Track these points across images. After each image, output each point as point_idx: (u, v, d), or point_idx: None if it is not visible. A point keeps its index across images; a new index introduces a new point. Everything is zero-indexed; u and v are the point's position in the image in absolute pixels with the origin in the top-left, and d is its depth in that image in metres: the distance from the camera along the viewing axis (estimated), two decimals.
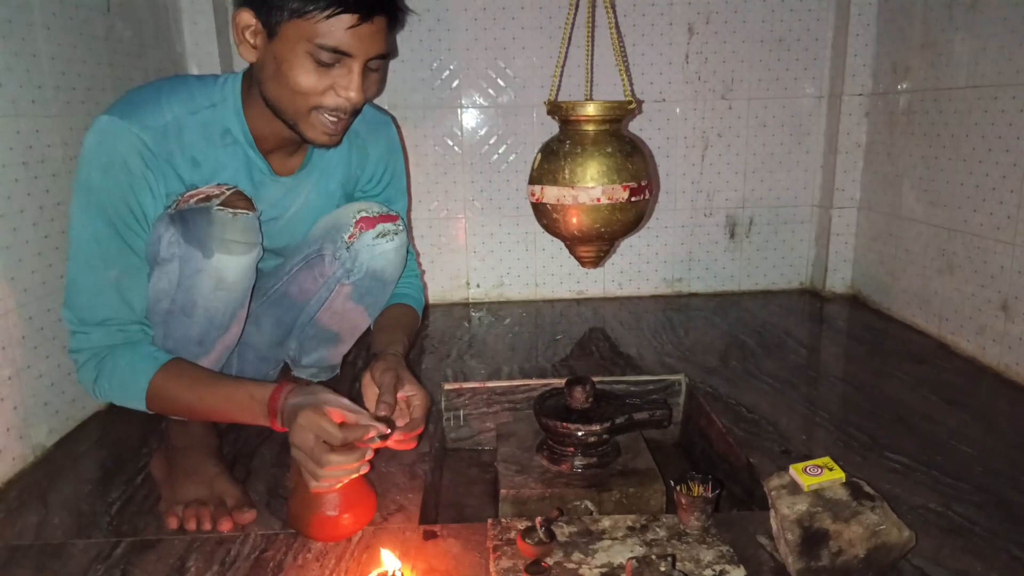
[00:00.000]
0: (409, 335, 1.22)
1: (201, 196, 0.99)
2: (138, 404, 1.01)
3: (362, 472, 0.93)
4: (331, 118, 1.00)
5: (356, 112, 1.03)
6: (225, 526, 0.99)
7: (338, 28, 0.93)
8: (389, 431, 0.93)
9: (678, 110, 2.04)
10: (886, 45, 1.88)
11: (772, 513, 0.89)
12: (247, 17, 0.96)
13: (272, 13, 0.94)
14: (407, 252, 1.26)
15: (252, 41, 0.98)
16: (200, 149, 1.03)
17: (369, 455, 0.92)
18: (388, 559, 0.85)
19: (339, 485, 0.92)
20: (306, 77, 0.96)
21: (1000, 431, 1.25)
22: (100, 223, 0.99)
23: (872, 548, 0.82)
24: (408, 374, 1.04)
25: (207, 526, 0.99)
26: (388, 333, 1.18)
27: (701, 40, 2.00)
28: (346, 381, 1.51)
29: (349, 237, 1.15)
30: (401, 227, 1.20)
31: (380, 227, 1.16)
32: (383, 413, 0.96)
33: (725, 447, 1.28)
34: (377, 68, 1.01)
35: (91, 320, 1.01)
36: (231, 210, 0.98)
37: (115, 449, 1.25)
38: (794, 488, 0.88)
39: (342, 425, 0.90)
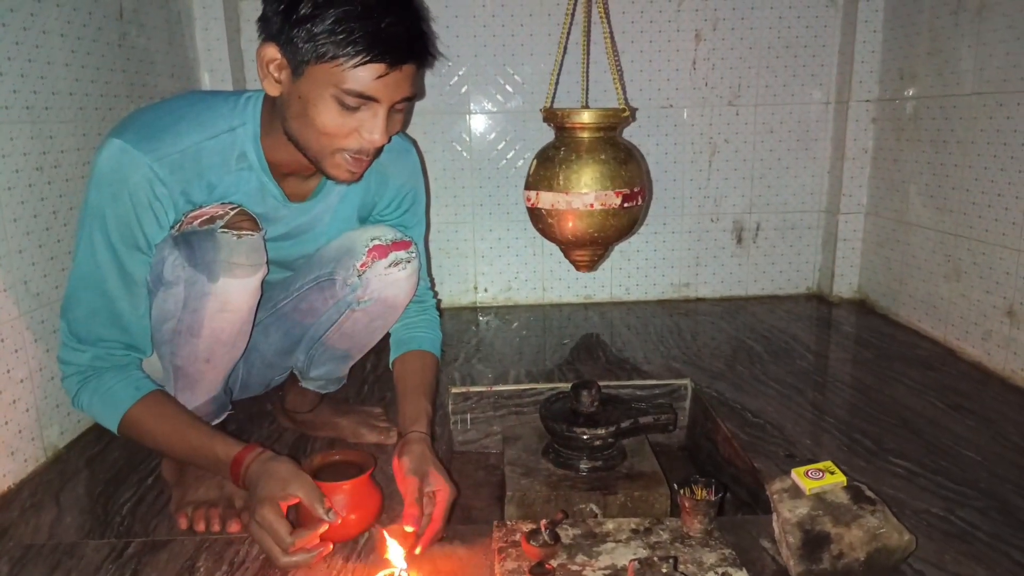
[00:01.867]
0: (432, 396, 1.18)
1: (205, 217, 0.98)
2: (111, 427, 1.00)
3: (318, 560, 0.90)
4: (354, 158, 0.98)
5: (379, 152, 1.01)
6: (234, 527, 1.00)
7: (366, 76, 0.90)
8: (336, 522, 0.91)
9: (685, 115, 2.05)
10: (893, 52, 1.88)
11: (774, 516, 0.89)
12: (272, 52, 0.93)
13: (299, 53, 0.90)
14: (419, 278, 1.22)
15: (276, 76, 0.94)
16: (216, 173, 1.02)
17: (325, 551, 0.90)
18: (395, 555, 0.86)
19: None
20: (331, 119, 0.93)
21: (1005, 436, 1.25)
22: (103, 247, 0.98)
23: (872, 551, 0.82)
24: (435, 467, 1.01)
25: (216, 527, 1.00)
26: (412, 402, 1.13)
27: (709, 46, 2.01)
28: (354, 384, 1.53)
29: (361, 265, 1.11)
30: (414, 254, 1.16)
31: (393, 255, 1.13)
32: (410, 527, 0.93)
33: (730, 451, 1.28)
34: (402, 109, 0.98)
35: (84, 338, 1.01)
36: (235, 232, 0.96)
37: (126, 451, 1.27)
38: (795, 492, 0.88)
39: (299, 505, 0.90)
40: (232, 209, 0.98)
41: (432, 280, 1.38)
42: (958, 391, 1.44)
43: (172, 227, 1.01)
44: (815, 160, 2.10)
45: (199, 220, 0.97)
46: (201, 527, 1.01)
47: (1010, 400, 1.40)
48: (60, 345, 1.03)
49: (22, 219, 1.18)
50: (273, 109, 1.00)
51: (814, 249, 2.16)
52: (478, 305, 2.15)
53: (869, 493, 0.88)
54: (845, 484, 0.89)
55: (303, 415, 1.33)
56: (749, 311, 2.04)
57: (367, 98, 0.92)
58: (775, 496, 0.89)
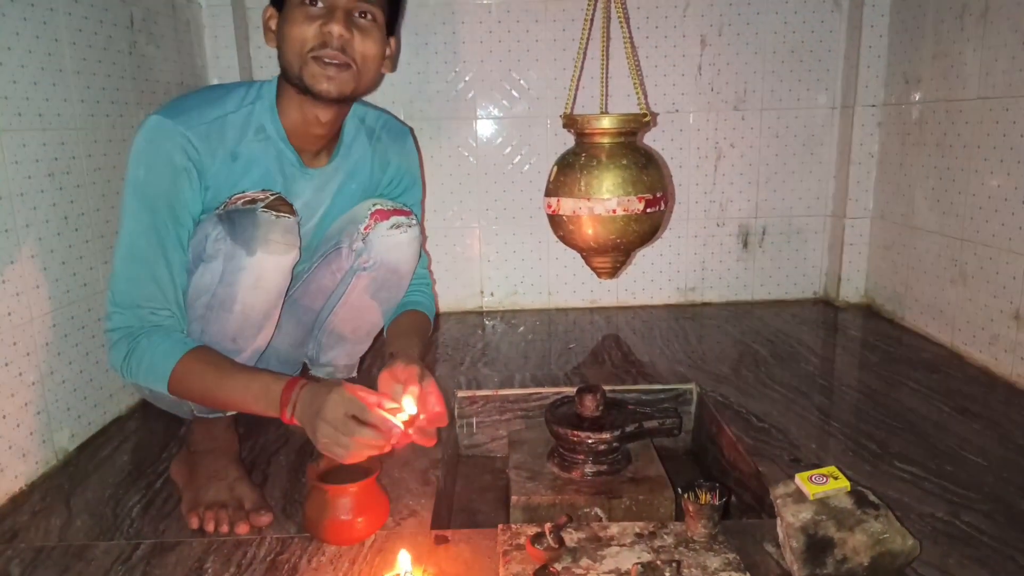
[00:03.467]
0: (423, 340, 1.26)
1: (247, 199, 1.08)
2: (161, 385, 1.04)
3: (385, 451, 0.94)
4: (327, 63, 1.08)
5: (351, 63, 1.10)
6: (242, 528, 1.01)
7: None
8: (414, 414, 0.98)
9: (691, 120, 2.06)
10: (898, 56, 1.88)
11: (778, 521, 0.90)
12: (268, 10, 1.13)
13: None
14: (420, 250, 1.32)
15: (272, 28, 1.13)
16: (238, 143, 1.13)
17: (396, 433, 0.94)
18: (403, 560, 0.87)
19: (361, 458, 0.94)
20: (298, 27, 1.07)
21: (1011, 440, 1.25)
22: (144, 215, 1.07)
23: (876, 556, 0.82)
24: (427, 372, 1.07)
25: (225, 528, 1.02)
26: (403, 338, 1.24)
27: (714, 51, 2.01)
28: (364, 382, 1.53)
29: (365, 228, 1.22)
30: (414, 221, 1.26)
31: (394, 219, 1.23)
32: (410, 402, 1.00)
33: (735, 455, 1.29)
34: (367, 19, 1.10)
35: (126, 303, 1.07)
36: (274, 212, 1.06)
37: (136, 453, 1.28)
38: (799, 496, 0.89)
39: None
40: (272, 195, 1.09)
41: (429, 258, 1.45)
42: (964, 395, 1.44)
43: (205, 201, 1.11)
44: (821, 164, 2.10)
45: (242, 201, 1.08)
46: (211, 527, 1.02)
47: (1017, 404, 1.39)
48: (105, 318, 1.09)
49: (34, 225, 1.19)
50: (285, 82, 1.13)
51: (820, 253, 2.16)
52: (484, 309, 2.16)
53: (873, 498, 0.88)
54: (849, 489, 0.89)
55: None
56: (755, 315, 2.04)
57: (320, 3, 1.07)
58: (779, 501, 0.90)
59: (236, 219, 1.06)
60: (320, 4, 1.07)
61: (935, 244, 1.75)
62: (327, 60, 1.08)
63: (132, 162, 1.07)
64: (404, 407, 0.98)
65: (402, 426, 0.95)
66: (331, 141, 1.24)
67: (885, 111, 1.95)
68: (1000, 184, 1.52)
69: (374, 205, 1.24)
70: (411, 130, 1.40)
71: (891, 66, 1.92)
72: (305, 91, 1.11)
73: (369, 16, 1.10)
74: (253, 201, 1.07)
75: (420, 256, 1.33)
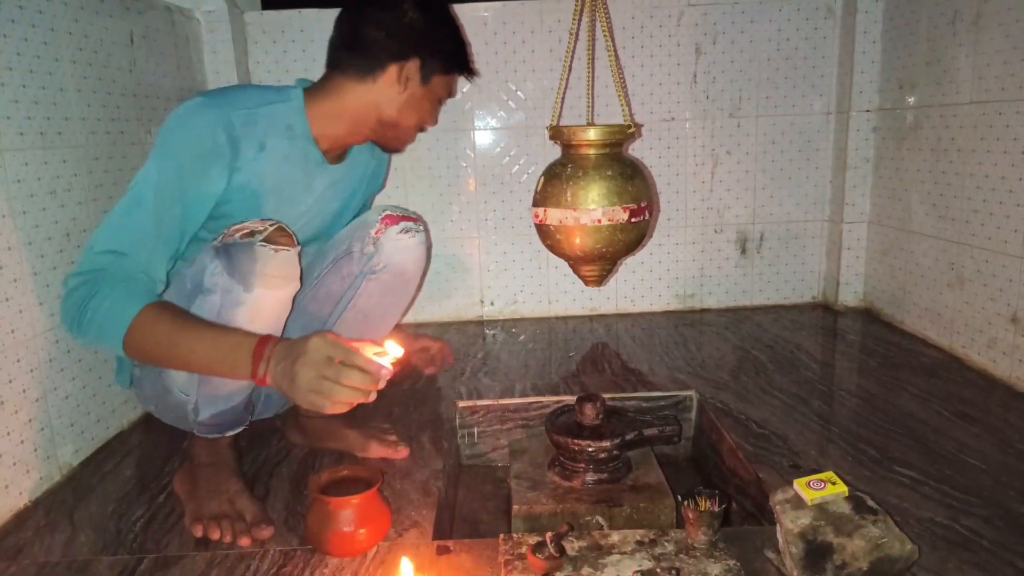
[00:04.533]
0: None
1: (245, 231, 1.06)
2: (116, 341, 0.99)
3: (372, 399, 0.91)
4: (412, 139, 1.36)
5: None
6: (244, 541, 1.02)
7: (453, 83, 1.36)
8: (399, 355, 0.94)
9: (688, 128, 2.07)
10: (892, 62, 1.90)
11: (778, 527, 0.90)
12: (415, 65, 1.26)
13: (434, 68, 1.28)
14: (428, 255, 1.38)
15: (407, 79, 1.26)
16: (267, 136, 1.19)
17: (385, 374, 0.91)
18: (405, 569, 0.88)
19: (349, 407, 0.91)
20: (430, 112, 1.34)
21: (1011, 444, 1.25)
22: (154, 179, 1.08)
23: (875, 561, 0.83)
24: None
25: (228, 539, 1.02)
26: None
27: (709, 60, 2.03)
28: None
29: (375, 232, 1.27)
30: (422, 228, 1.32)
31: (403, 224, 1.28)
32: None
33: (735, 462, 1.29)
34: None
35: (103, 247, 1.05)
36: (273, 247, 1.04)
37: (138, 468, 1.29)
38: (798, 502, 0.89)
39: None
40: (271, 225, 1.07)
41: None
42: (963, 399, 1.44)
43: (231, 180, 1.14)
44: (817, 170, 2.11)
45: (240, 233, 1.06)
46: (216, 536, 1.03)
47: (1015, 407, 1.40)
48: (75, 265, 1.07)
49: (36, 242, 1.20)
50: (319, 96, 1.25)
51: (818, 258, 2.17)
52: (484, 319, 2.17)
53: (871, 503, 0.89)
54: (847, 494, 0.89)
55: (316, 421, 1.35)
56: (754, 321, 2.04)
57: (444, 99, 1.35)
58: (777, 507, 0.90)
59: (234, 253, 1.04)
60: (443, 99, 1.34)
61: (932, 248, 1.76)
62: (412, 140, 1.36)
63: (164, 136, 1.10)
64: (388, 350, 0.93)
65: (390, 367, 0.91)
66: (346, 148, 1.36)
67: (880, 116, 1.97)
68: (995, 188, 1.53)
69: (384, 211, 1.29)
70: None
71: (885, 72, 1.93)
72: (380, 140, 1.33)
73: None
74: (252, 233, 1.05)
75: (428, 262, 1.40)
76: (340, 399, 0.89)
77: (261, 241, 1.03)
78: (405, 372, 1.61)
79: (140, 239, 1.07)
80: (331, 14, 1.93)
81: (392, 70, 1.24)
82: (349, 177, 1.38)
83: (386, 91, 1.26)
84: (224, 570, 0.97)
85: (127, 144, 1.48)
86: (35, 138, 1.21)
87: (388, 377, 0.91)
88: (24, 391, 1.16)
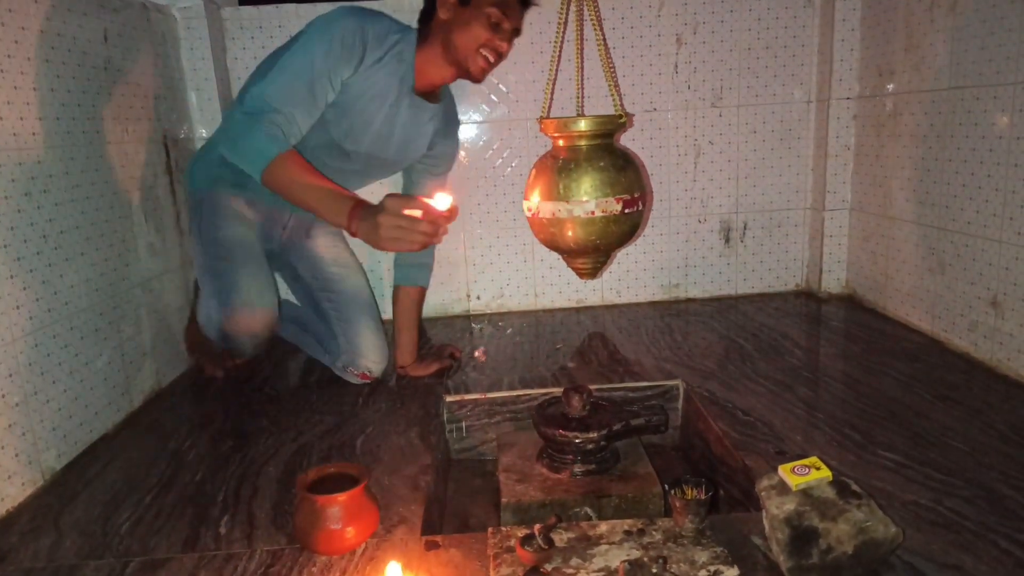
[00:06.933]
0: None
1: None
2: (256, 171, 1.26)
3: (439, 239, 1.19)
4: (486, 59, 1.48)
5: (500, 60, 1.52)
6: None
7: (503, 8, 1.45)
8: (449, 203, 1.18)
9: (669, 119, 2.07)
10: (871, 49, 1.91)
11: (764, 513, 0.91)
12: None
13: None
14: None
15: (445, 5, 1.46)
16: (386, 52, 1.45)
17: (441, 229, 1.18)
18: (394, 573, 0.87)
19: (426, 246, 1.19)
20: (483, 30, 1.45)
21: (992, 425, 1.26)
22: (321, 56, 1.35)
23: (860, 544, 0.84)
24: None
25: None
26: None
27: (689, 50, 2.03)
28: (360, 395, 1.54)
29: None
30: None
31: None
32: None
33: (722, 450, 1.30)
34: (513, 35, 1.51)
35: (269, 102, 1.31)
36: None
37: (124, 470, 1.28)
38: (783, 488, 0.90)
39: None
40: None
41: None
42: (945, 382, 1.46)
43: (351, 78, 1.43)
44: (799, 158, 2.12)
45: None
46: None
47: (996, 389, 1.42)
48: (243, 104, 1.33)
49: (12, 245, 1.19)
50: (427, 36, 1.49)
51: (801, 246, 2.18)
52: (471, 313, 2.16)
53: (855, 487, 0.90)
54: (831, 479, 0.90)
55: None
56: (739, 310, 2.05)
57: (501, 20, 1.46)
58: (763, 493, 0.91)
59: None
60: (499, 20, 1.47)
61: (913, 234, 1.77)
62: (487, 60, 1.48)
63: (317, 27, 1.37)
64: (438, 200, 1.17)
65: (444, 211, 1.17)
66: (437, 95, 1.62)
67: (860, 104, 1.98)
68: (974, 172, 1.54)
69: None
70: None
71: (864, 59, 1.94)
72: (459, 64, 1.48)
73: (515, 30, 1.51)
74: None
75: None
76: (414, 240, 1.16)
77: None
78: (443, 368, 1.69)
79: (294, 102, 1.33)
80: (309, 8, 1.93)
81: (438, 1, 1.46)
82: (428, 116, 1.59)
83: (441, 22, 1.47)
84: (212, 571, 0.96)
85: (104, 143, 1.46)
86: (8, 139, 1.19)
87: (445, 216, 1.17)
88: (3, 396, 1.15)
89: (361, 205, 1.21)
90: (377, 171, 1.71)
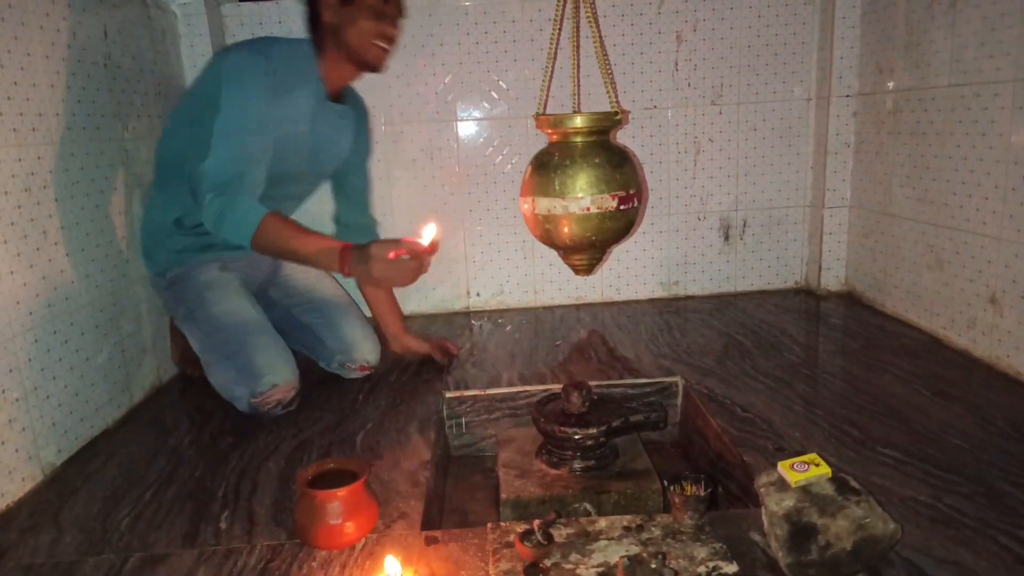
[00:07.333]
0: None
1: None
2: (245, 241, 1.33)
3: (426, 268, 1.35)
4: (381, 47, 1.49)
5: (393, 44, 1.52)
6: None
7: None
8: (433, 236, 1.31)
9: (669, 116, 2.07)
10: (871, 46, 1.91)
11: (763, 510, 0.91)
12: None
13: None
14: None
15: (332, 6, 1.45)
16: (292, 74, 1.47)
17: (425, 262, 1.33)
18: (391, 566, 0.88)
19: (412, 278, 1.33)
20: (373, 22, 1.45)
21: (991, 422, 1.27)
22: (250, 109, 1.38)
23: (859, 541, 0.84)
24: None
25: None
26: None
27: (690, 47, 2.03)
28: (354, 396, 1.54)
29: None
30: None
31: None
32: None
33: (721, 446, 1.30)
34: (396, 22, 1.52)
35: (227, 171, 1.34)
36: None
37: (124, 466, 1.28)
38: (782, 484, 0.90)
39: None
40: None
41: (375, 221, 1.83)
42: (944, 379, 1.46)
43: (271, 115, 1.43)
44: (798, 156, 2.12)
45: None
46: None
47: (995, 386, 1.42)
48: (206, 182, 1.34)
49: (12, 240, 1.19)
50: (320, 42, 1.49)
51: (800, 243, 2.18)
52: (471, 310, 2.17)
53: (854, 484, 0.90)
54: (830, 476, 0.90)
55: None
56: (738, 307, 2.06)
57: (382, 7, 1.47)
58: (762, 489, 0.91)
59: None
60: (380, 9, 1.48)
61: (912, 231, 1.78)
62: (382, 47, 1.48)
63: (231, 81, 1.37)
64: (424, 234, 1.31)
65: (427, 244, 1.30)
66: (345, 96, 1.63)
67: (860, 101, 1.98)
68: (973, 170, 1.54)
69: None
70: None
71: (864, 57, 1.94)
72: (357, 57, 1.48)
73: (397, 17, 1.53)
74: None
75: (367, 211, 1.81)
76: (404, 277, 1.31)
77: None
78: (441, 359, 1.73)
79: (248, 160, 1.37)
80: None
81: (320, 3, 1.46)
82: (344, 117, 1.63)
83: (329, 25, 1.47)
84: (212, 566, 0.96)
85: (103, 140, 1.46)
86: (8, 135, 1.19)
87: (428, 250, 1.31)
88: (3, 392, 1.15)
89: (349, 249, 1.32)
90: (314, 184, 1.72)
